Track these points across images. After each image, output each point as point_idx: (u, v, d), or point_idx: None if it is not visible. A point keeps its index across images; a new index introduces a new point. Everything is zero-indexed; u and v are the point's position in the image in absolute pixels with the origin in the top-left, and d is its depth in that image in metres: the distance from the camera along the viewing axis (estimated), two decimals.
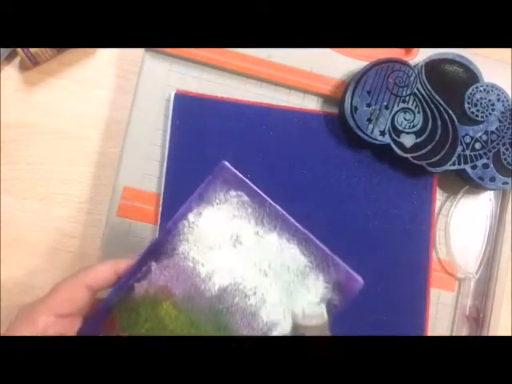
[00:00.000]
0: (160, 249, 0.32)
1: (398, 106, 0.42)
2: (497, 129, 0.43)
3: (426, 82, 0.42)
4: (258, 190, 0.32)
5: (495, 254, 0.46)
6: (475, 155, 0.43)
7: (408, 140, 0.42)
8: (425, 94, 0.42)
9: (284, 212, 0.32)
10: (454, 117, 0.43)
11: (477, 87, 0.43)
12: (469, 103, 0.43)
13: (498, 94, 0.43)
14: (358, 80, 0.42)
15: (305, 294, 0.32)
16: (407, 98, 0.42)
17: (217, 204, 0.32)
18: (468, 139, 0.43)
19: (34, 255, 0.44)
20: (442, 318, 0.46)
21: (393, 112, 0.42)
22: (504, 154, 0.43)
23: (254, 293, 0.32)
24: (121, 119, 0.45)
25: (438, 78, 0.43)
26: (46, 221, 0.45)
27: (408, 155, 0.42)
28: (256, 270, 0.32)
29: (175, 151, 0.42)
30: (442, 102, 0.43)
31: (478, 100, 0.43)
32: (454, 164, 0.43)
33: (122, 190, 0.43)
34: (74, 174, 0.45)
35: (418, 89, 0.42)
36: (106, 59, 0.47)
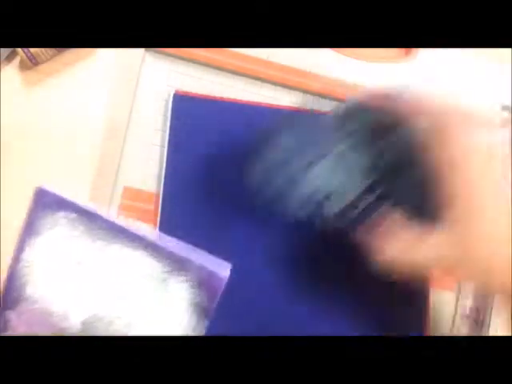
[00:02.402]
0: (11, 296, 0.31)
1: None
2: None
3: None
4: (83, 206, 0.30)
5: None
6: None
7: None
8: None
9: (119, 222, 0.30)
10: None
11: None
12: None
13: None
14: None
15: (171, 301, 0.30)
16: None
17: (47, 231, 0.30)
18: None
19: None
20: (442, 318, 0.46)
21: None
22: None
23: (119, 316, 0.29)
24: (121, 119, 0.45)
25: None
26: None
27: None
28: (112, 289, 0.29)
29: (175, 151, 0.43)
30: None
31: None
32: None
33: (121, 190, 0.43)
34: (74, 173, 0.45)
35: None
36: (106, 59, 0.47)
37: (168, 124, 0.43)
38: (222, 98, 0.44)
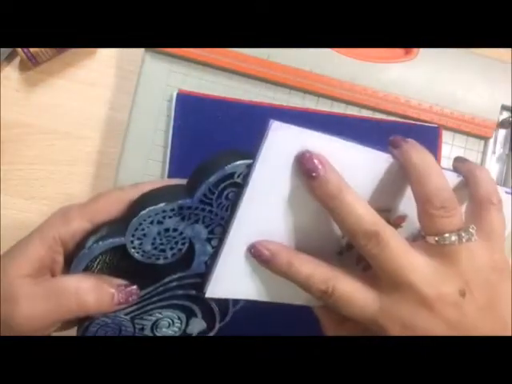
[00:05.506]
0: None
1: None
2: None
3: None
4: None
5: None
6: None
7: None
8: None
9: None
10: None
11: None
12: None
13: None
14: None
15: None
16: None
17: None
18: None
19: None
20: None
21: None
22: None
23: None
24: (121, 119, 0.45)
25: None
26: None
27: None
28: None
29: (176, 151, 0.42)
30: None
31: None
32: None
33: None
34: (74, 174, 0.45)
35: None
36: (106, 59, 0.47)
37: (171, 123, 0.42)
38: (224, 97, 0.44)
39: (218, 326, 0.34)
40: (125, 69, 0.47)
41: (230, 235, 0.29)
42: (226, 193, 0.29)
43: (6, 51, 0.44)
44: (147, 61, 0.44)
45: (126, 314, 0.32)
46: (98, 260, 0.31)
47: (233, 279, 0.31)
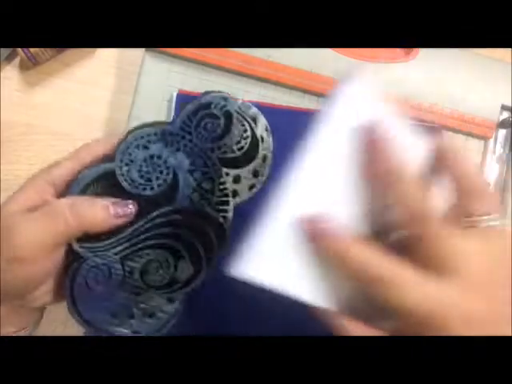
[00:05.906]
0: None
1: None
2: None
3: None
4: None
5: None
6: None
7: None
8: None
9: None
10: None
11: None
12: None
13: None
14: None
15: None
16: None
17: None
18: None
19: None
20: None
21: None
22: None
23: None
24: (121, 119, 0.45)
25: None
26: None
27: None
28: None
29: None
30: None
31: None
32: None
33: None
34: None
35: None
36: (106, 59, 0.47)
37: None
38: None
39: (205, 270, 0.34)
40: (125, 69, 0.47)
41: (273, 205, 0.27)
42: (203, 123, 0.34)
43: (5, 51, 0.45)
44: (147, 61, 0.44)
45: (116, 254, 0.33)
46: (88, 190, 0.33)
47: (261, 258, 0.27)
